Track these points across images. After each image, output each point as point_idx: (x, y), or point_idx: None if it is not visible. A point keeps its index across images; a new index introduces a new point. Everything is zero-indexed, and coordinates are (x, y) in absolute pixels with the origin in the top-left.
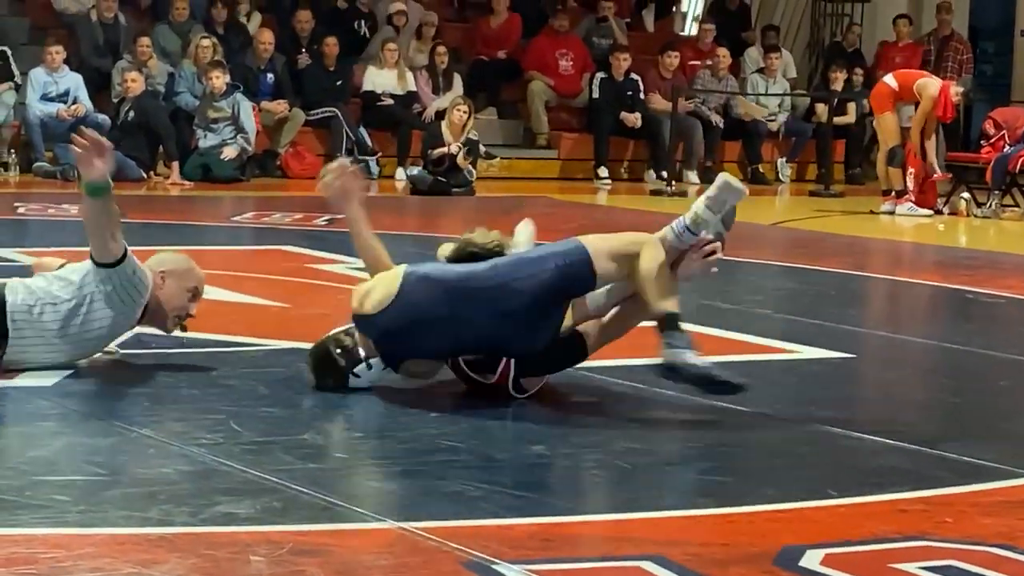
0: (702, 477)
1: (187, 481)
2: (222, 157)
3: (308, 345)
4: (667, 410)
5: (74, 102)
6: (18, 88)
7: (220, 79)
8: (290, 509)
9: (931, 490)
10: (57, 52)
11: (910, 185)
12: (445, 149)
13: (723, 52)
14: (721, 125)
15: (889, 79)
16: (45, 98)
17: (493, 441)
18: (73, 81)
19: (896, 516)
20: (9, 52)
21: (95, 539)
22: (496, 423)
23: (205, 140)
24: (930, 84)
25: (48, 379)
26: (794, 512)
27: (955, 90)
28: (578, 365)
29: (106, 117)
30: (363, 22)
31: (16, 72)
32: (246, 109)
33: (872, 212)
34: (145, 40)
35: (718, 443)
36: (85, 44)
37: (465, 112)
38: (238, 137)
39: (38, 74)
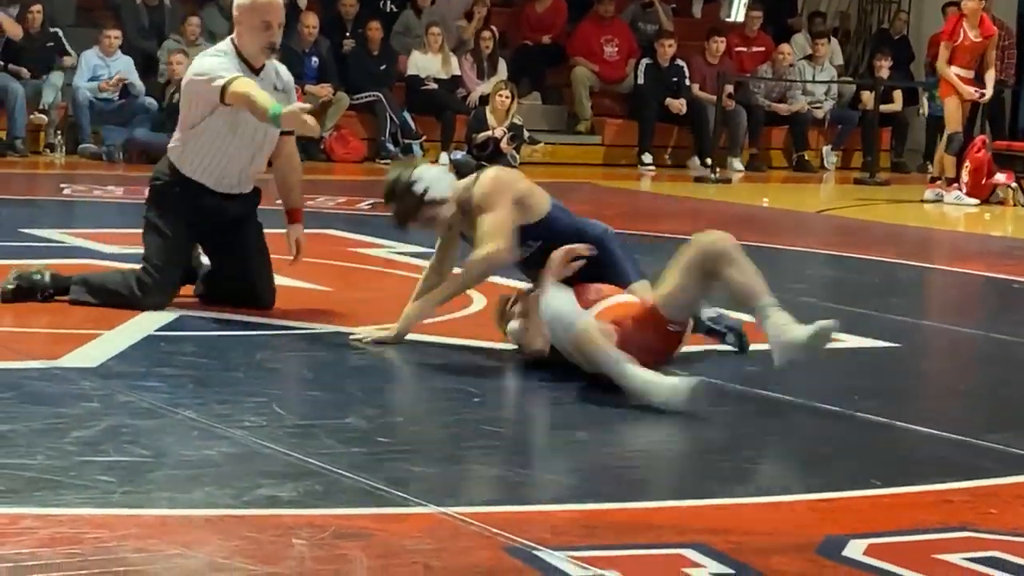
0: (745, 465)
1: (230, 463)
2: None
3: (352, 329)
4: (711, 398)
5: (123, 87)
6: (72, 68)
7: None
8: (332, 493)
9: (976, 481)
10: (116, 37)
11: (964, 176)
12: (489, 133)
13: (784, 49)
14: (781, 112)
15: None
16: (95, 80)
17: (535, 427)
18: (124, 65)
19: (940, 507)
20: (61, 33)
21: (139, 520)
22: (539, 409)
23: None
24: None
25: (93, 360)
26: (837, 502)
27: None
28: None
29: (153, 101)
30: (388, 1)
31: (70, 50)
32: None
33: (922, 201)
34: (195, 20)
35: (762, 432)
36: (130, 26)
37: (508, 97)
38: None
39: (89, 57)
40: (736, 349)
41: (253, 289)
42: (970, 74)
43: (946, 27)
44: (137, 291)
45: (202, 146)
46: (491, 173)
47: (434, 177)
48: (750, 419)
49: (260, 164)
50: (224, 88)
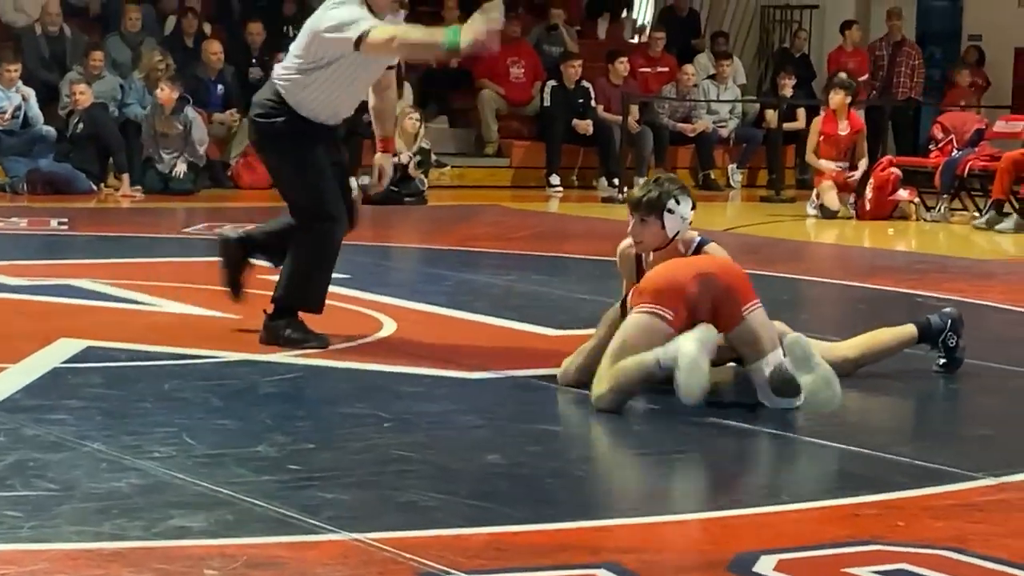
0: (657, 484)
1: (140, 495)
2: (174, 174)
3: (260, 357)
4: (621, 420)
5: (24, 118)
6: None
7: (167, 92)
8: (244, 522)
9: (884, 494)
10: (15, 70)
11: (867, 193)
12: (396, 159)
13: (688, 70)
14: (687, 133)
15: None
16: None
17: (447, 451)
18: (24, 96)
19: (850, 520)
20: None
21: (48, 555)
22: (450, 432)
23: (162, 163)
24: None
25: None
26: (748, 518)
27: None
28: (537, 373)
29: (51, 129)
30: (290, 27)
31: None
32: (198, 124)
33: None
34: (98, 54)
35: (673, 451)
36: (31, 57)
37: (416, 120)
38: (185, 153)
39: None
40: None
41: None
42: (844, 165)
43: (821, 123)
44: (333, 226)
45: (321, 90)
46: None
47: None
48: (661, 438)
49: (363, 96)
50: (360, 39)
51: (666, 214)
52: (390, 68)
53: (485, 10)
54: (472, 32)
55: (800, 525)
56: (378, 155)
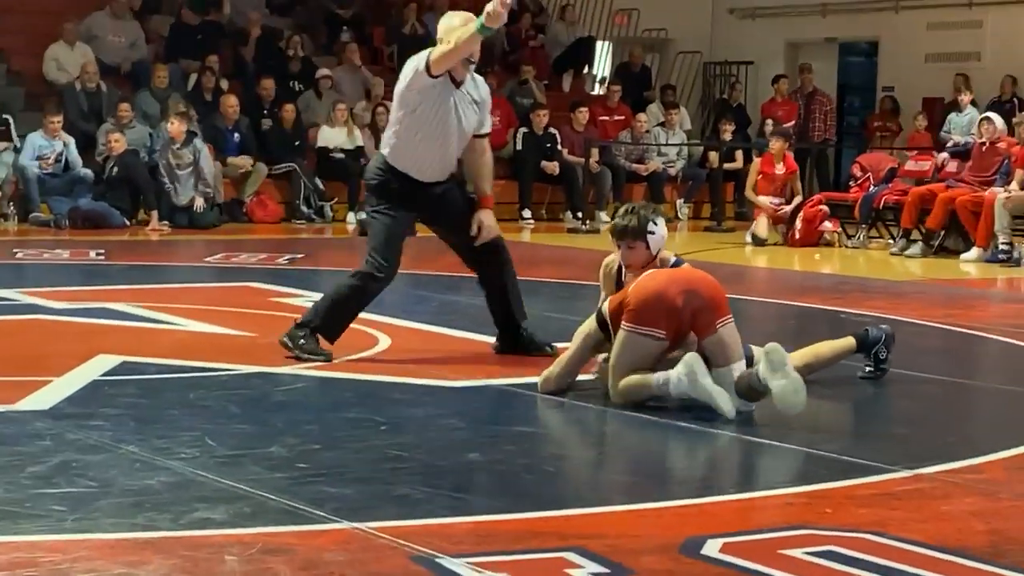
0: (617, 478)
1: (169, 491)
2: (196, 210)
3: (273, 369)
4: (587, 420)
5: (66, 163)
6: (17, 150)
7: (176, 125)
8: (259, 514)
9: (813, 485)
10: (58, 120)
11: (797, 224)
12: None
13: (641, 118)
14: (641, 172)
15: None
16: (40, 158)
17: (434, 450)
18: (66, 143)
19: (783, 509)
20: (11, 119)
21: (89, 544)
22: (437, 434)
23: (177, 197)
24: None
25: (45, 404)
26: (696, 507)
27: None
28: (511, 382)
29: (90, 172)
30: (296, 82)
31: (15, 136)
32: (205, 155)
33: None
34: (125, 105)
35: (632, 448)
36: (72, 110)
37: None
38: (199, 186)
39: (35, 138)
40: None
41: (472, 240)
42: (779, 200)
43: (760, 164)
44: (377, 273)
45: (410, 141)
46: None
47: None
48: (622, 437)
49: (453, 158)
50: (428, 64)
51: (649, 236)
52: (478, 137)
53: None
54: (487, 11)
55: (740, 513)
56: (479, 212)
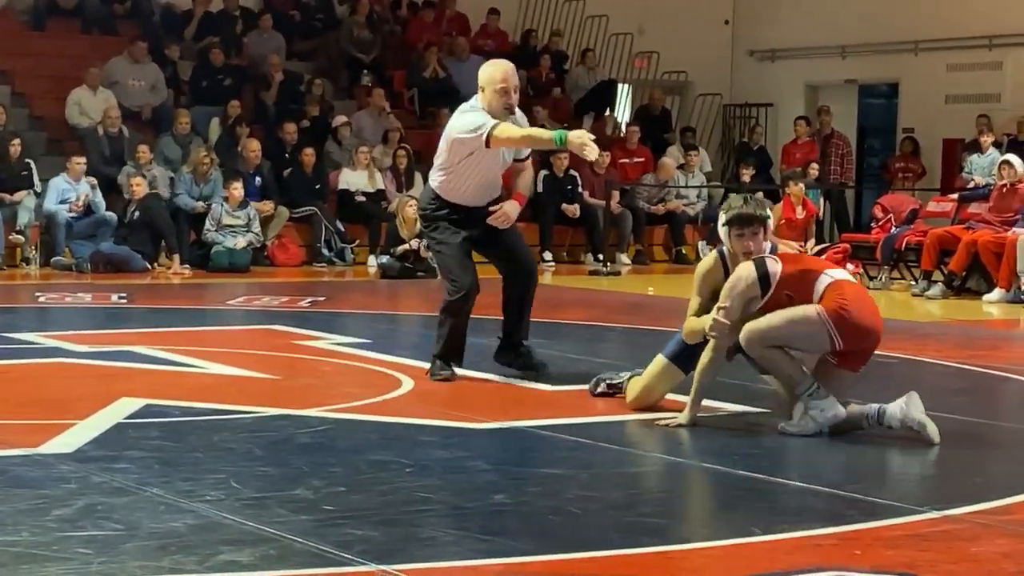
0: (644, 520)
1: (194, 534)
2: (234, 245)
3: (296, 412)
4: (612, 462)
5: (88, 205)
6: (38, 195)
7: (239, 191)
8: (285, 556)
9: (841, 526)
10: (79, 163)
11: None
12: (407, 246)
13: (666, 162)
14: (658, 213)
15: None
16: (63, 202)
17: (460, 492)
18: (88, 186)
19: (813, 550)
20: (33, 164)
21: None
22: (462, 476)
23: (225, 241)
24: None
25: (70, 447)
26: (724, 548)
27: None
28: (536, 424)
29: (113, 215)
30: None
31: (37, 181)
32: (254, 214)
33: None
34: (143, 148)
35: (658, 489)
36: (94, 155)
37: (414, 207)
38: (248, 234)
39: (58, 182)
40: None
41: (519, 259)
42: (800, 244)
43: (781, 208)
44: (457, 294)
45: (458, 177)
46: None
47: None
48: (648, 478)
49: (497, 185)
50: (489, 136)
51: (768, 222)
52: (518, 161)
53: (583, 138)
54: (576, 139)
55: (769, 554)
56: (506, 202)
